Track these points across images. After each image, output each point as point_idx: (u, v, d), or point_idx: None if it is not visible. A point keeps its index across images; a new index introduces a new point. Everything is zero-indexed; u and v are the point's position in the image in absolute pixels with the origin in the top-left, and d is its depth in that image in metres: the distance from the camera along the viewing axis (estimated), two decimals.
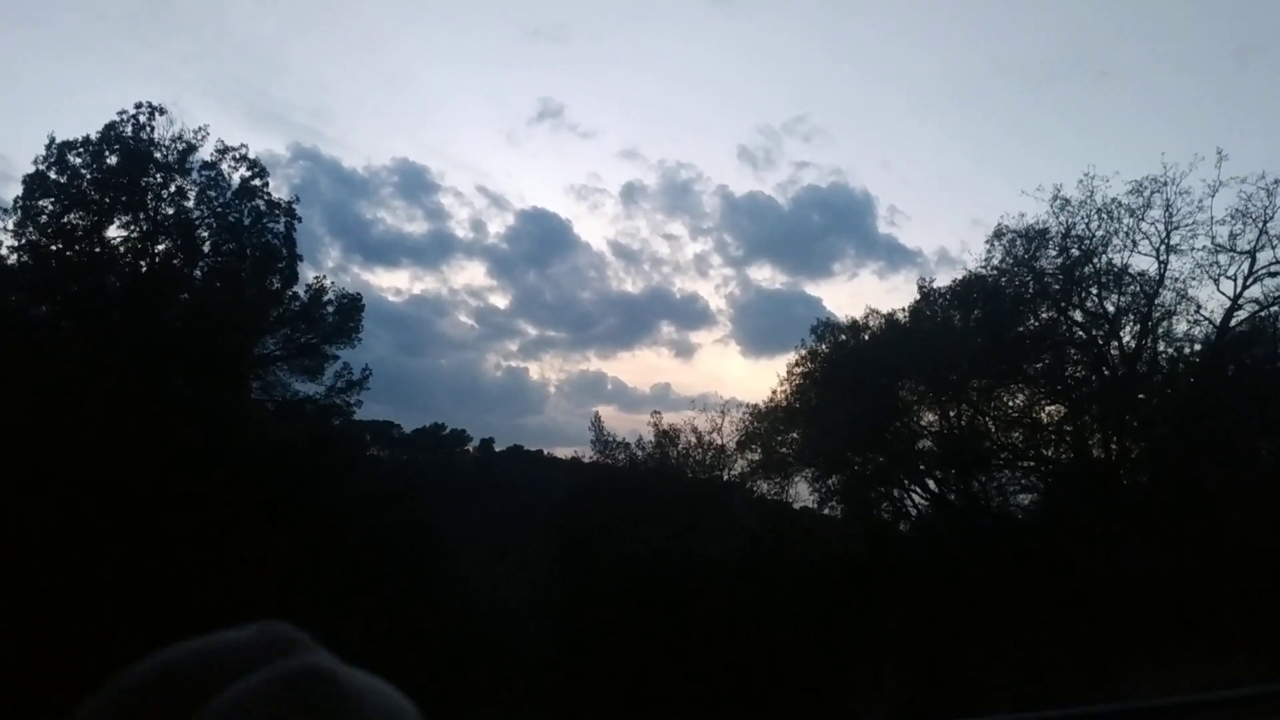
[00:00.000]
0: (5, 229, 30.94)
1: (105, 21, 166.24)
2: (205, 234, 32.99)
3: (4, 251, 31.09)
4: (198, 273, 33.35)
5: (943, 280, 38.92)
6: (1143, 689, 19.35)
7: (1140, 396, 29.78)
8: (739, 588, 30.97)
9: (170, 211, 32.34)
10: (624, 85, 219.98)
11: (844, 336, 35.47)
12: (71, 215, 31.42)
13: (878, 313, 35.37)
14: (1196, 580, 23.34)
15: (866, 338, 34.86)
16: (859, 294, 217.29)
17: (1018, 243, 30.84)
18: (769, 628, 29.59)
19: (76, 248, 31.34)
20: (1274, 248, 27.73)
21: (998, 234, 31.14)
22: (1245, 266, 28.15)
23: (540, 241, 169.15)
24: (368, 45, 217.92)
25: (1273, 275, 28.02)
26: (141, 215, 31.88)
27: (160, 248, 32.28)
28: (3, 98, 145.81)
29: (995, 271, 31.37)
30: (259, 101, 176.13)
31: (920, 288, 34.15)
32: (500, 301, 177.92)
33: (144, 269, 31.89)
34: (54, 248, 31.27)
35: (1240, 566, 23.09)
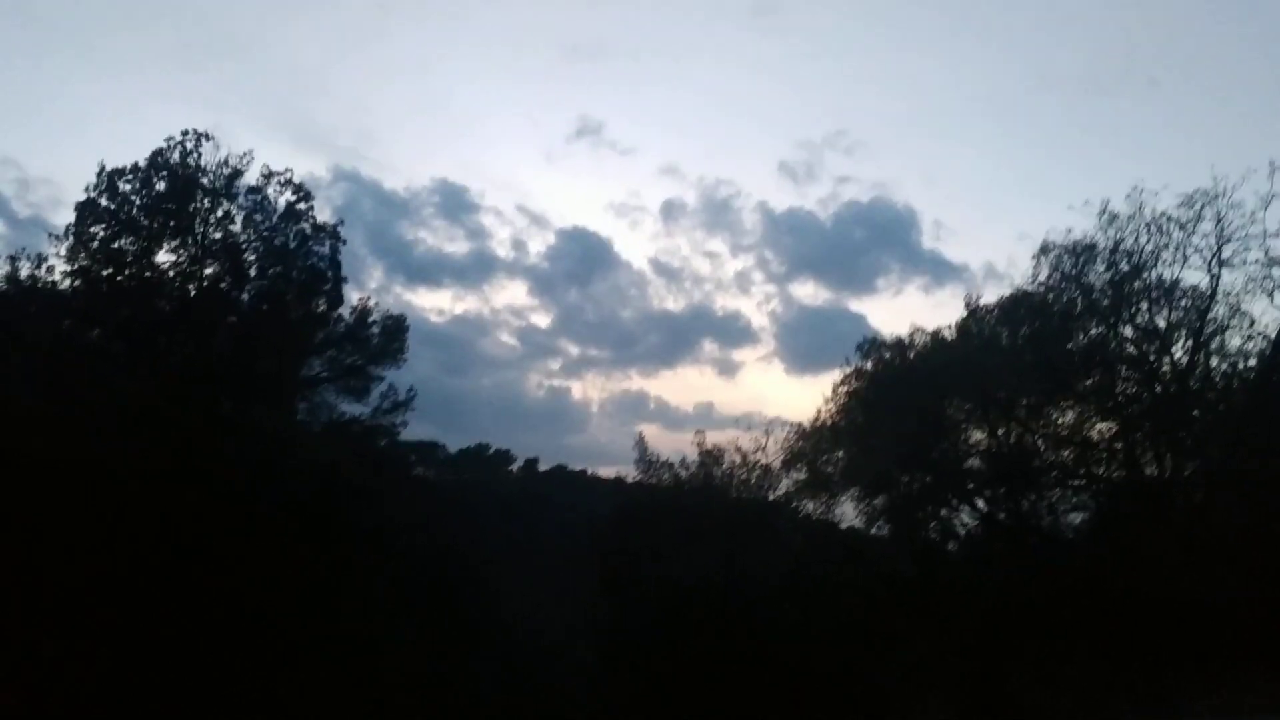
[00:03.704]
0: (58, 255, 31.62)
1: (152, 48, 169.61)
2: (252, 258, 33.45)
3: (56, 277, 31.84)
4: (245, 296, 33.79)
5: (990, 296, 38.44)
6: (1199, 711, 18.92)
7: (1194, 413, 29.22)
8: (786, 610, 30.69)
9: (217, 236, 32.86)
10: (662, 101, 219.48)
11: (889, 354, 35.12)
12: (121, 240, 32.02)
13: (924, 330, 35.04)
14: (1254, 601, 22.77)
15: (912, 355, 34.50)
16: (904, 310, 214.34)
17: (1065, 258, 30.39)
18: (816, 650, 29.29)
19: (126, 272, 31.88)
20: None
21: (1044, 249, 30.70)
22: None
23: (581, 260, 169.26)
24: (408, 67, 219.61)
25: None
26: (189, 240, 32.41)
27: (208, 271, 32.78)
28: (53, 123, 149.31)
29: (1042, 287, 30.94)
30: (302, 125, 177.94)
31: (967, 304, 33.74)
32: (542, 321, 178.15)
33: (192, 293, 32.38)
34: (105, 273, 31.86)
35: None
